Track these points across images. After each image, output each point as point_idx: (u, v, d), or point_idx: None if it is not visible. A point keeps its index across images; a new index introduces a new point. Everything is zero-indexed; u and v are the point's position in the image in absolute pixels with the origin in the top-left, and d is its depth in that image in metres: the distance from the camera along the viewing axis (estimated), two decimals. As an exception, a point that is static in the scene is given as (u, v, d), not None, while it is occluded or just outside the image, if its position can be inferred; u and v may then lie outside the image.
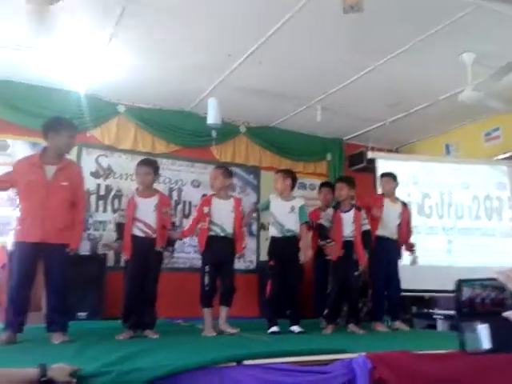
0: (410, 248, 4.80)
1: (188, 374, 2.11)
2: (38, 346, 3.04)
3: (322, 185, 5.34)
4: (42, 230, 3.22)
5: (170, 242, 3.90)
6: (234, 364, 2.26)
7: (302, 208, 4.13)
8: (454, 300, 1.84)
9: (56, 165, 3.34)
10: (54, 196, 3.27)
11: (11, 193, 5.06)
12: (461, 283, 1.78)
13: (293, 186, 4.25)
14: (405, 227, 4.72)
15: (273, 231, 4.11)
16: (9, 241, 4.64)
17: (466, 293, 1.79)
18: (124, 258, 3.77)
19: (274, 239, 4.11)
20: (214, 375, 2.17)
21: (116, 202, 5.59)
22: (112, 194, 5.66)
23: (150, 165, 3.85)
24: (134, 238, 3.67)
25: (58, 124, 3.41)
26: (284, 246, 4.03)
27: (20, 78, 5.13)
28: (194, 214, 4.12)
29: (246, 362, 2.28)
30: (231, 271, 3.94)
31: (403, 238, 4.73)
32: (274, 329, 3.80)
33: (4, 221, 4.76)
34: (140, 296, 3.63)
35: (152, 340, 3.45)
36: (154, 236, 3.70)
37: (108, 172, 5.70)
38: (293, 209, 4.08)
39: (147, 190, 3.81)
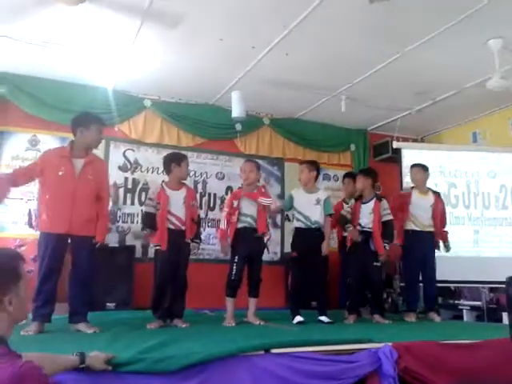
0: (443, 238, 4.76)
1: (218, 361, 2.18)
2: (72, 335, 3.15)
3: (345, 176, 5.35)
4: (70, 221, 3.30)
5: (197, 235, 3.97)
6: (262, 352, 2.32)
7: (327, 200, 4.15)
8: (505, 296, 1.81)
9: (83, 158, 3.42)
10: (82, 189, 3.36)
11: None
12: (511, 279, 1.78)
13: (316, 178, 4.27)
14: (438, 217, 4.68)
15: (298, 223, 4.14)
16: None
17: None
18: (155, 248, 3.79)
19: (298, 230, 4.14)
20: (243, 363, 2.24)
21: (143, 194, 5.69)
22: (139, 187, 5.77)
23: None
24: (167, 230, 3.75)
25: (88, 119, 3.50)
26: (309, 238, 4.06)
27: (49, 74, 5.25)
28: (226, 209, 4.03)
29: (274, 351, 2.34)
30: (260, 263, 4.00)
31: (437, 229, 4.69)
32: (299, 318, 3.86)
33: (37, 214, 4.89)
34: (170, 286, 3.73)
35: (182, 329, 3.54)
36: (184, 228, 3.78)
37: (135, 166, 5.81)
38: (318, 201, 4.11)
39: (176, 184, 3.88)
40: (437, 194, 4.78)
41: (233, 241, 3.94)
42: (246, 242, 3.91)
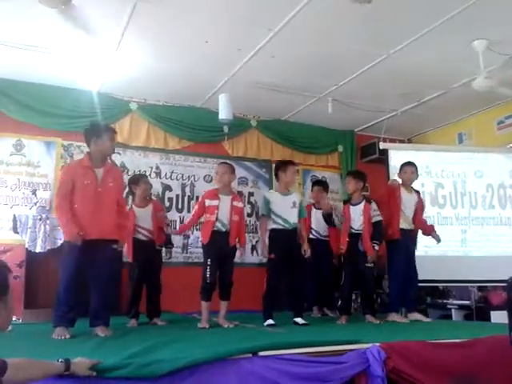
0: (431, 231, 4.76)
1: (206, 365, 2.16)
2: (58, 341, 3.08)
3: (314, 184, 5.37)
4: (100, 227, 3.37)
5: (168, 240, 4.59)
6: (250, 355, 2.30)
7: (301, 203, 4.16)
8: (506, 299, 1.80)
9: (102, 167, 3.51)
10: (106, 196, 3.47)
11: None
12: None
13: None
14: (420, 215, 4.70)
15: (274, 225, 4.04)
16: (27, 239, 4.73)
17: None
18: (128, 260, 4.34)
19: (275, 232, 4.03)
20: (230, 366, 2.21)
21: (130, 198, 5.62)
22: (126, 190, 5.69)
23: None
24: (138, 241, 4.27)
25: (99, 129, 3.60)
26: (287, 239, 4.01)
27: (33, 78, 5.20)
28: (195, 207, 4.15)
29: (262, 354, 2.32)
30: (232, 266, 3.98)
31: (420, 226, 4.70)
32: (270, 321, 3.81)
33: (24, 220, 4.82)
34: (146, 289, 4.36)
35: (170, 333, 3.50)
36: (153, 237, 4.36)
37: (122, 169, 5.73)
38: (294, 204, 4.08)
39: (141, 201, 4.42)
40: (418, 193, 4.79)
41: (208, 241, 3.90)
42: (219, 244, 3.88)
